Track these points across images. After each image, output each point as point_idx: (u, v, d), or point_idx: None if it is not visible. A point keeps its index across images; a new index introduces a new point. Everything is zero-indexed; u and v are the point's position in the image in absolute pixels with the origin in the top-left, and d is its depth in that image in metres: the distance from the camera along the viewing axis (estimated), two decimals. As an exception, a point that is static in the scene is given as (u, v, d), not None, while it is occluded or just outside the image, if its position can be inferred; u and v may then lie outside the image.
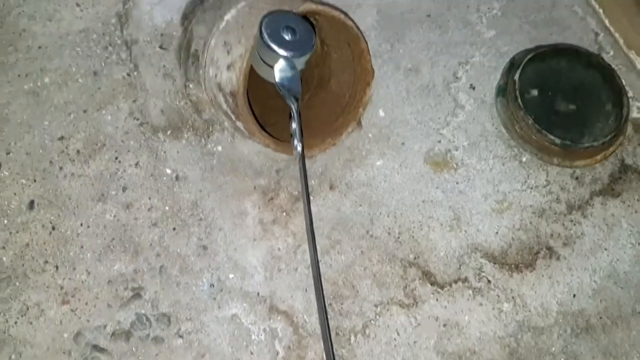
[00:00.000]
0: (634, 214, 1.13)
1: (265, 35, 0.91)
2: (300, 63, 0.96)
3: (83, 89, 1.11)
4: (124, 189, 1.04)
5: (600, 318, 1.05)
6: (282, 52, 0.92)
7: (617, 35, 1.28)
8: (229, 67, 0.99)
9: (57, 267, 0.98)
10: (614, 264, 1.09)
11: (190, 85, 1.08)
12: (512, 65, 1.17)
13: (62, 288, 0.97)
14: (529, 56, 1.14)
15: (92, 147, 1.07)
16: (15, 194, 1.02)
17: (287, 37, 0.93)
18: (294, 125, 0.96)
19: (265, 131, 1.07)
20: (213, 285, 1.00)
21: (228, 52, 1.00)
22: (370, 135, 1.15)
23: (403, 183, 1.11)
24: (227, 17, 1.03)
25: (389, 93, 1.19)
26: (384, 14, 1.25)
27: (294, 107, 0.94)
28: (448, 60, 1.22)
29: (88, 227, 1.01)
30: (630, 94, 1.18)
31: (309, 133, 1.15)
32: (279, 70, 0.94)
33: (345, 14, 1.02)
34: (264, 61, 0.95)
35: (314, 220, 1.07)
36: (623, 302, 1.06)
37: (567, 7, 1.31)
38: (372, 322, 1.01)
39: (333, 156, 1.12)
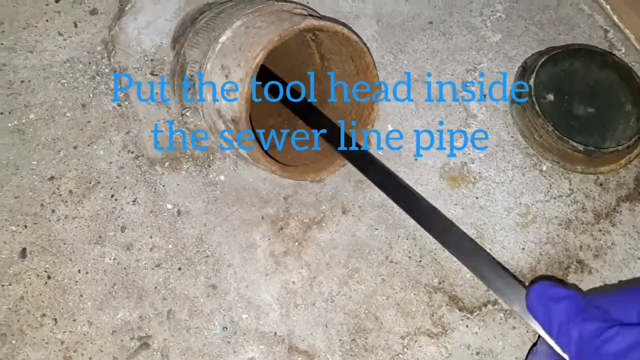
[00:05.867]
0: (664, 218, 1.07)
1: None
2: None
3: (72, 124, 1.04)
4: (123, 229, 0.97)
5: None
6: None
7: (627, 31, 1.23)
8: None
9: (55, 320, 0.90)
10: (649, 274, 1.03)
11: (188, 113, 1.01)
12: (525, 70, 1.11)
13: (62, 343, 0.89)
14: (542, 60, 1.08)
15: (86, 185, 0.99)
16: (5, 242, 0.94)
17: None
18: None
19: (270, 156, 1.00)
20: (226, 328, 0.92)
21: (226, 77, 0.93)
22: (380, 152, 1.08)
23: (419, 202, 1.05)
24: (223, 39, 0.96)
25: (396, 106, 1.12)
26: (384, 24, 1.19)
27: None
28: (455, 68, 1.16)
29: (87, 273, 0.93)
30: (647, 91, 1.13)
31: (315, 155, 1.09)
32: None
33: (349, 28, 0.96)
34: None
35: (327, 249, 1.00)
36: (662, 313, 1.00)
37: (572, 5, 1.26)
38: (400, 355, 0.94)
39: (343, 178, 1.05)
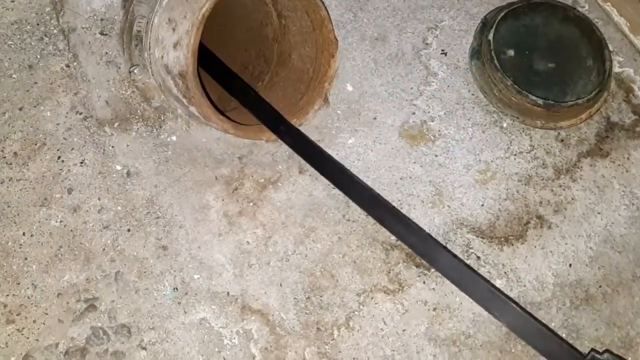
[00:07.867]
0: (625, 173, 1.05)
1: None
2: None
3: (17, 85, 1.00)
4: (70, 191, 0.94)
5: (600, 287, 0.98)
6: None
7: (591, -13, 1.21)
8: (175, 46, 0.89)
9: (-2, 283, 0.87)
10: (609, 228, 1.01)
11: (136, 71, 0.97)
12: (485, 26, 1.09)
13: (5, 306, 0.86)
14: (501, 14, 1.06)
15: (31, 147, 0.96)
16: (-54, 205, 0.91)
17: None
18: None
19: (223, 114, 0.98)
20: (177, 289, 0.90)
21: (174, 30, 0.90)
22: (339, 112, 1.06)
23: (378, 160, 1.03)
24: (169, -9, 0.93)
25: (356, 65, 1.10)
26: (344, -18, 1.16)
27: None
28: (416, 27, 1.14)
29: (32, 235, 0.90)
30: (609, 47, 1.11)
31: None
32: None
33: (300, -21, 0.93)
34: None
35: (283, 208, 0.98)
36: (622, 267, 0.99)
37: (536, -38, 1.23)
38: (356, 312, 0.92)
39: (300, 137, 1.02)
